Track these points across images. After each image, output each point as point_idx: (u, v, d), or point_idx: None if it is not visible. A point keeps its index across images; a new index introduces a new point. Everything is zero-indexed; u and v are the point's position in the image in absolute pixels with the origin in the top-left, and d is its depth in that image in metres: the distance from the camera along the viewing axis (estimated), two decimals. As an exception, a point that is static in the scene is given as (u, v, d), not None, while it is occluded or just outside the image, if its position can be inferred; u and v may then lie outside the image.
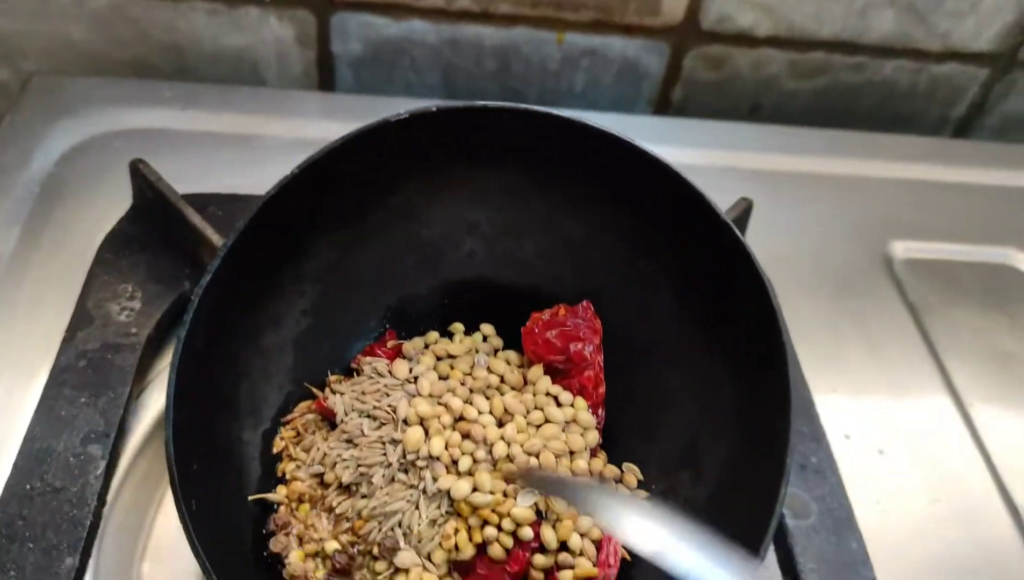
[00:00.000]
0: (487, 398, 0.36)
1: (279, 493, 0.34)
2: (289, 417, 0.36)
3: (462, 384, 0.36)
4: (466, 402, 0.35)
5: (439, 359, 0.38)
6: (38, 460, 0.35)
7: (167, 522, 0.37)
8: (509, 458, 0.33)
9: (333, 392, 0.36)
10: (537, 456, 0.34)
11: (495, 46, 0.61)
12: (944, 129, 0.69)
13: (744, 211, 0.44)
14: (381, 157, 0.33)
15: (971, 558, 0.39)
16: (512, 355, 0.38)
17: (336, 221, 0.35)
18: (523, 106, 0.33)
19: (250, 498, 0.34)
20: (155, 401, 0.39)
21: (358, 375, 0.37)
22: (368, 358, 0.37)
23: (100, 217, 0.45)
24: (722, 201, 0.45)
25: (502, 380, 0.37)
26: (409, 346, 0.38)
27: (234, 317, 0.32)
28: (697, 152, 0.56)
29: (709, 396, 0.34)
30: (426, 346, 0.38)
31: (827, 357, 0.46)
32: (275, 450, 0.35)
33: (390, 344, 0.38)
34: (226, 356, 0.32)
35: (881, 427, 0.44)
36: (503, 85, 0.64)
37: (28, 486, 0.34)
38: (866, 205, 0.55)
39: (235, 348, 0.33)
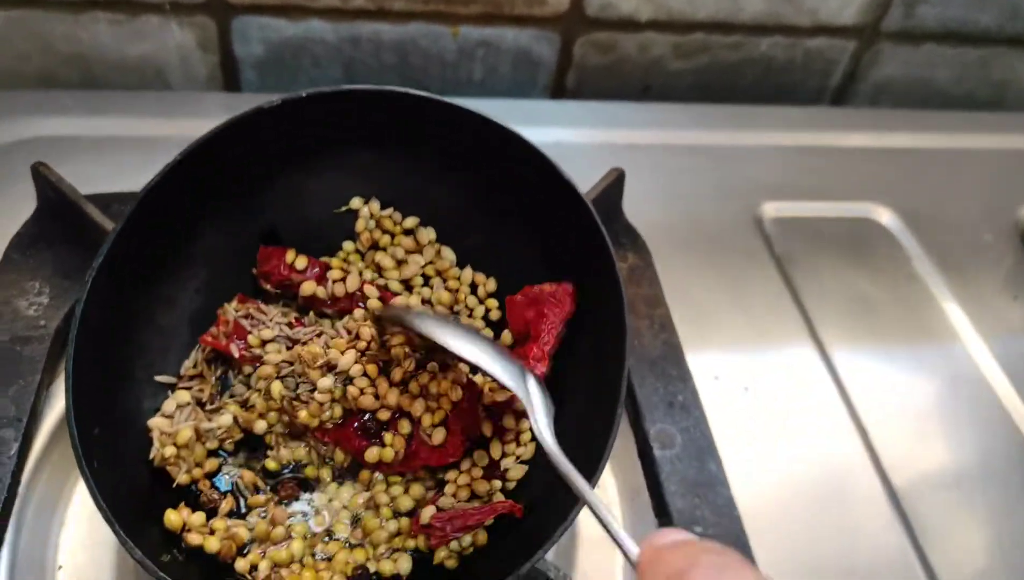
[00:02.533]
0: None
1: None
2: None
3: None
4: None
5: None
6: (-47, 445, 0.37)
7: (85, 498, 0.40)
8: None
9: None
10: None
11: (393, 41, 0.64)
12: (823, 98, 0.74)
13: (616, 179, 0.48)
14: (260, 143, 0.36)
15: (818, 468, 0.44)
16: None
17: (222, 205, 0.37)
18: (388, 88, 0.36)
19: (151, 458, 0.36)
20: (67, 389, 0.42)
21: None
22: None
23: (6, 222, 0.47)
24: (602, 172, 0.49)
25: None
26: None
27: (129, 297, 0.35)
28: (587, 131, 0.60)
29: (567, 344, 0.38)
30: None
31: (701, 311, 0.50)
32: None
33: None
34: (123, 334, 0.35)
35: (747, 367, 0.48)
36: (404, 78, 0.67)
37: (-57, 469, 0.36)
38: (742, 172, 0.59)
39: (132, 326, 0.36)
